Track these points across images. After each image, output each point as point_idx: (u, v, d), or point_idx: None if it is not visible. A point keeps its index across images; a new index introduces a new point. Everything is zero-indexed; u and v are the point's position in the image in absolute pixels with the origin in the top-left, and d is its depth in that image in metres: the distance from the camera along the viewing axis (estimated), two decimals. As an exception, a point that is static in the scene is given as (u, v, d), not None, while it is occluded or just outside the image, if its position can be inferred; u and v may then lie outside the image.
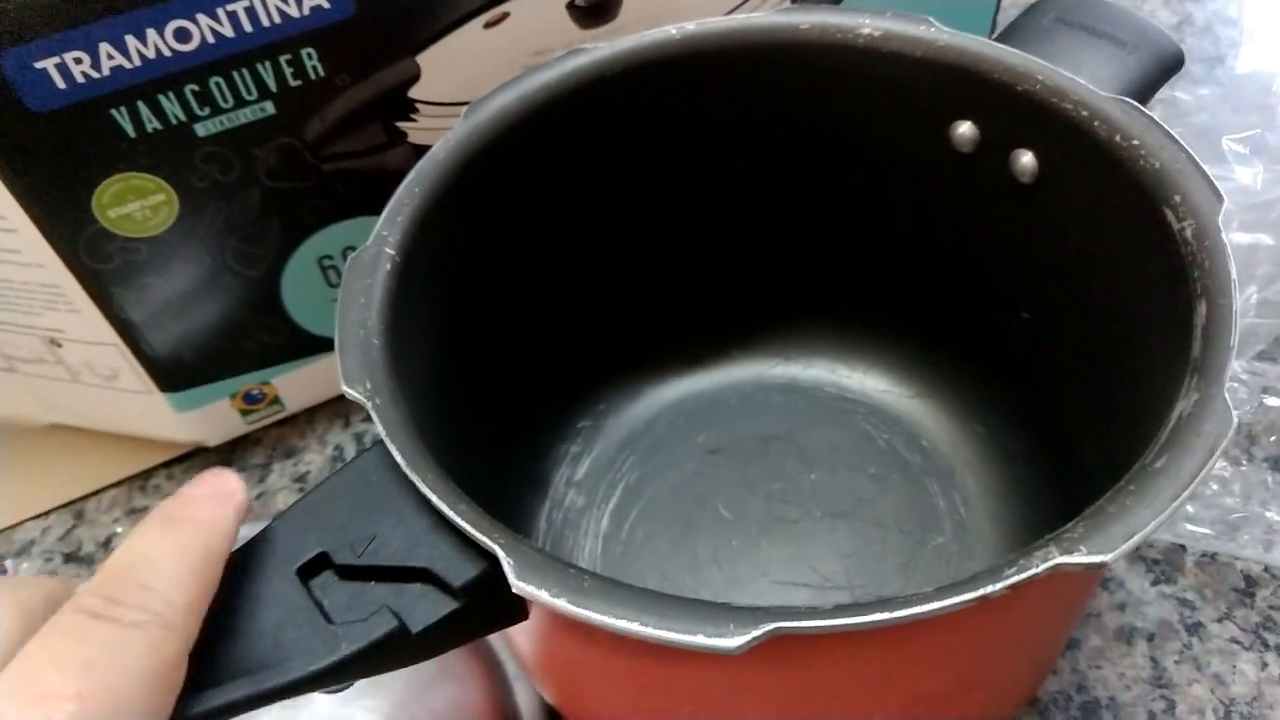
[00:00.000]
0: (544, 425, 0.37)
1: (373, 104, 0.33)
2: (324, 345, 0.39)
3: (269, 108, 0.32)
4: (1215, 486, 0.33)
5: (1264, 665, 0.31)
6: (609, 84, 0.30)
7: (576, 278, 0.34)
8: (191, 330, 0.36)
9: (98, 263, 0.33)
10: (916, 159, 0.32)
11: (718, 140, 0.33)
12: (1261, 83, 0.34)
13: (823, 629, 0.17)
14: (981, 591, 0.17)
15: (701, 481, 0.36)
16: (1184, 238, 0.23)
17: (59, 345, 0.36)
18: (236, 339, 0.37)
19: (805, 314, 0.38)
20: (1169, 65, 0.29)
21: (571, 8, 0.34)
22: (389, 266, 0.25)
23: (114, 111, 0.30)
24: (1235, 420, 0.19)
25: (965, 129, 0.30)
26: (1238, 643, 0.31)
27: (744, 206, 0.35)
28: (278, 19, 0.30)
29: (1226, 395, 0.20)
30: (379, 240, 0.26)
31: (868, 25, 0.30)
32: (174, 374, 0.37)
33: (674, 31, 0.31)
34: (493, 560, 0.20)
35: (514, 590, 0.19)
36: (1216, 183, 0.23)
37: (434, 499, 0.20)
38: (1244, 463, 0.34)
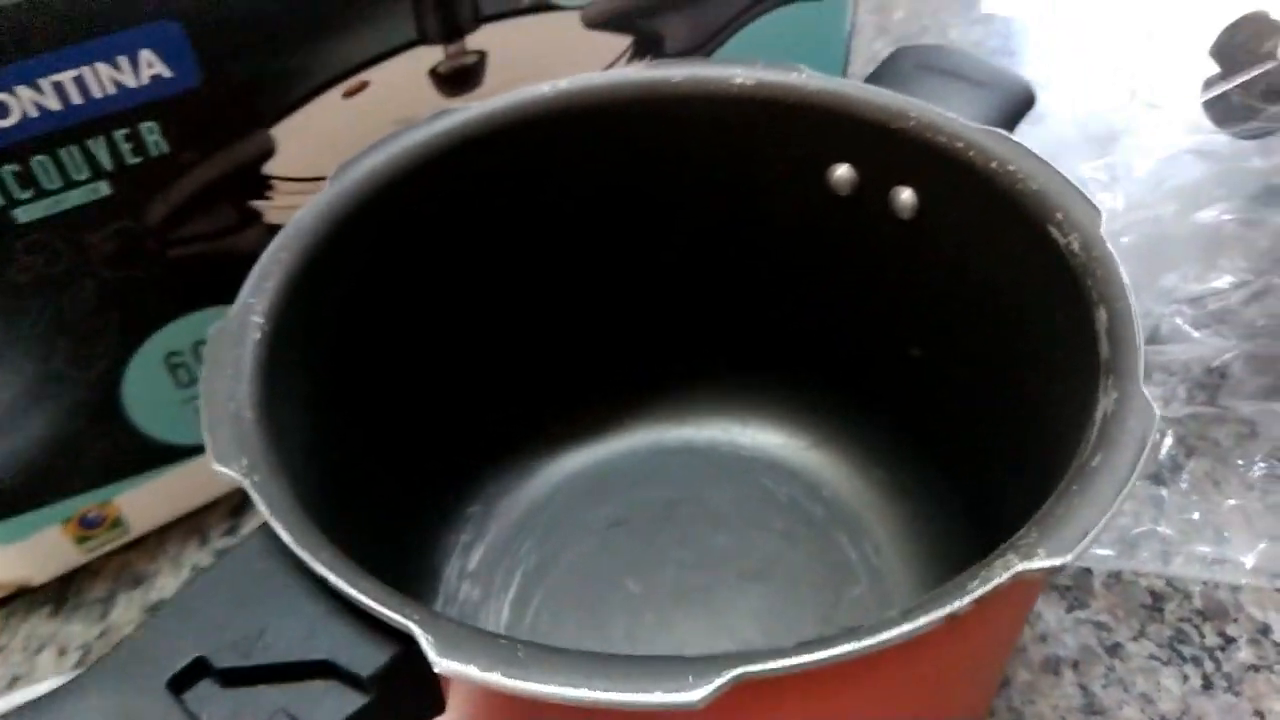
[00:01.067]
0: (429, 513, 0.34)
1: (223, 182, 0.31)
2: (174, 454, 0.35)
3: (103, 188, 0.29)
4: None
5: (1185, 678, 0.31)
6: (482, 143, 0.29)
7: (454, 347, 0.32)
8: (13, 448, 0.32)
9: (-101, 372, 0.28)
10: (797, 206, 0.32)
11: (595, 199, 0.32)
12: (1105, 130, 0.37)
13: (789, 668, 0.16)
14: (949, 609, 0.16)
15: (606, 557, 0.34)
16: (1071, 250, 0.24)
17: None
18: (70, 454, 0.33)
19: (697, 373, 0.37)
20: (1023, 102, 0.30)
21: (434, 75, 0.33)
22: (257, 335, 0.23)
23: (-83, 196, 0.26)
24: (1158, 414, 0.19)
25: (843, 171, 0.30)
26: (1156, 659, 0.31)
27: (625, 267, 0.34)
28: (112, 89, 0.27)
29: (1145, 391, 0.20)
30: (244, 309, 0.23)
31: (740, 75, 0.30)
32: (10, 487, 0.32)
33: (546, 89, 0.30)
34: (405, 641, 0.17)
35: (436, 670, 0.16)
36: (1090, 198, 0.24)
37: (331, 578, 0.17)
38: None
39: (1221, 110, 0.33)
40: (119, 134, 0.28)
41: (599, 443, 0.37)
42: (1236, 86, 0.32)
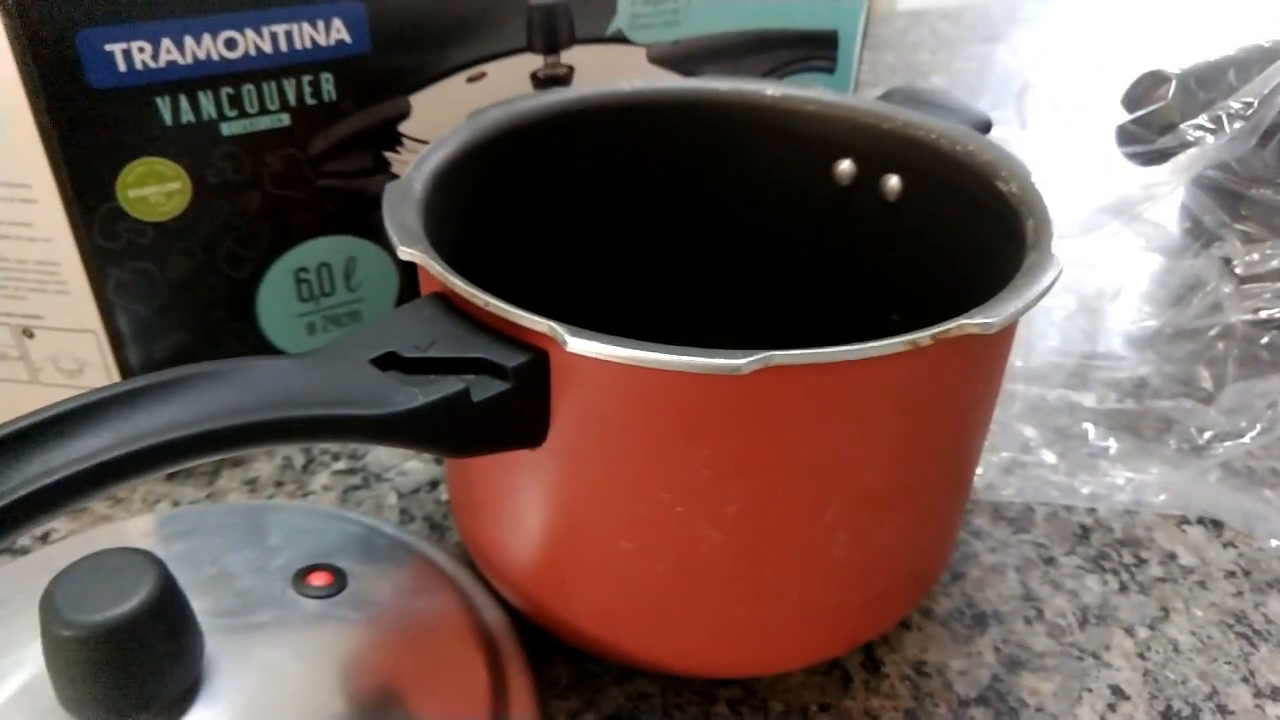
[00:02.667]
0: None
1: (368, 132, 0.40)
2: (284, 360, 0.42)
3: (285, 119, 0.38)
4: (1052, 463, 0.42)
5: (1105, 583, 0.37)
6: (577, 115, 0.38)
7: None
8: (168, 325, 0.39)
9: (105, 240, 0.36)
10: (808, 196, 0.41)
11: (647, 179, 0.41)
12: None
13: (804, 358, 0.23)
14: (912, 337, 0.24)
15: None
16: (1011, 192, 0.33)
17: (30, 336, 0.38)
18: (206, 342, 0.40)
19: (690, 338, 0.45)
20: (982, 127, 0.40)
21: (534, 78, 0.43)
22: (418, 195, 0.31)
23: (158, 99, 0.35)
24: (1062, 265, 0.28)
25: (845, 165, 0.40)
26: (1083, 569, 0.38)
27: (657, 243, 0.43)
28: (308, 44, 0.37)
29: (1055, 253, 0.28)
30: (409, 179, 0.32)
31: (770, 88, 0.40)
32: (139, 371, 0.39)
33: (625, 86, 0.40)
34: (537, 349, 0.25)
35: (570, 349, 0.24)
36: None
37: (486, 297, 0.25)
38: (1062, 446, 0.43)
39: (1126, 137, 0.43)
40: (305, 78, 0.37)
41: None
42: (1137, 121, 0.42)
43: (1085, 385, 0.47)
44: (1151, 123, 0.41)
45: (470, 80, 0.41)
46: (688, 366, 0.23)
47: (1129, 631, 0.35)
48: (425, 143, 0.41)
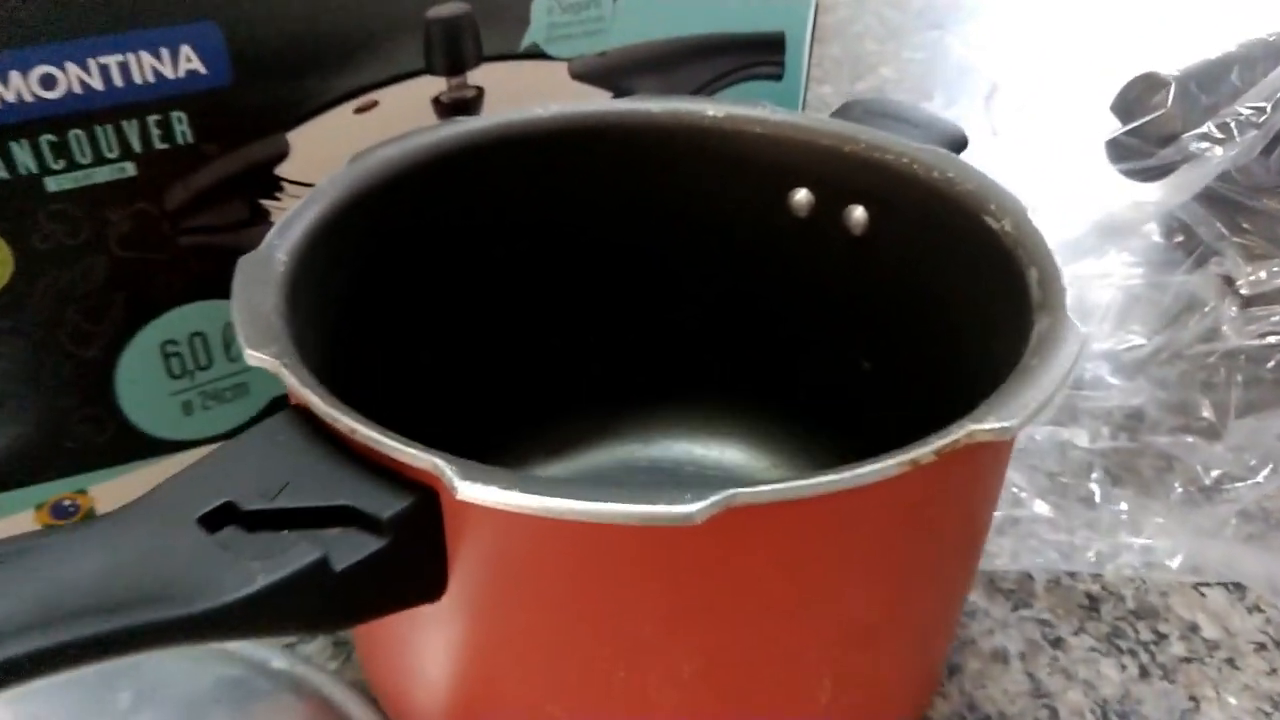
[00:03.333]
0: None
1: (239, 178, 0.33)
2: (156, 448, 0.36)
3: (129, 169, 0.31)
4: (1048, 517, 0.37)
5: (1123, 668, 0.32)
6: (483, 149, 0.32)
7: (432, 341, 0.34)
8: (2, 419, 0.32)
9: (-92, 328, 0.29)
10: (761, 228, 0.35)
11: (576, 217, 0.36)
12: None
13: (775, 495, 0.18)
14: (913, 455, 0.19)
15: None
16: (1004, 231, 0.27)
17: None
18: (54, 434, 0.34)
19: (664, 393, 0.39)
20: (957, 144, 0.35)
21: (436, 103, 0.36)
22: (281, 268, 0.25)
23: (-42, 154, 0.28)
24: (1083, 333, 0.22)
25: (801, 195, 0.34)
26: (1096, 651, 0.33)
27: (600, 285, 0.37)
28: (151, 78, 0.30)
29: (1071, 317, 0.23)
30: (270, 246, 0.25)
31: (710, 109, 0.34)
32: (-28, 477, 0.33)
33: (541, 111, 0.34)
34: (423, 490, 0.19)
35: (460, 496, 0.18)
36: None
37: (358, 426, 0.19)
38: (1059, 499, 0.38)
39: (1120, 151, 0.38)
40: (151, 119, 0.31)
41: (565, 463, 0.39)
42: (1132, 132, 0.37)
43: (1074, 419, 0.43)
44: (1149, 134, 0.37)
45: (359, 111, 0.35)
46: (622, 517, 0.17)
47: (1156, 731, 0.31)
48: (309, 185, 0.35)
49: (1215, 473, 0.39)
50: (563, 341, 0.38)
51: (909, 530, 0.21)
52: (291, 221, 0.27)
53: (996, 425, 0.19)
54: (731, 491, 0.17)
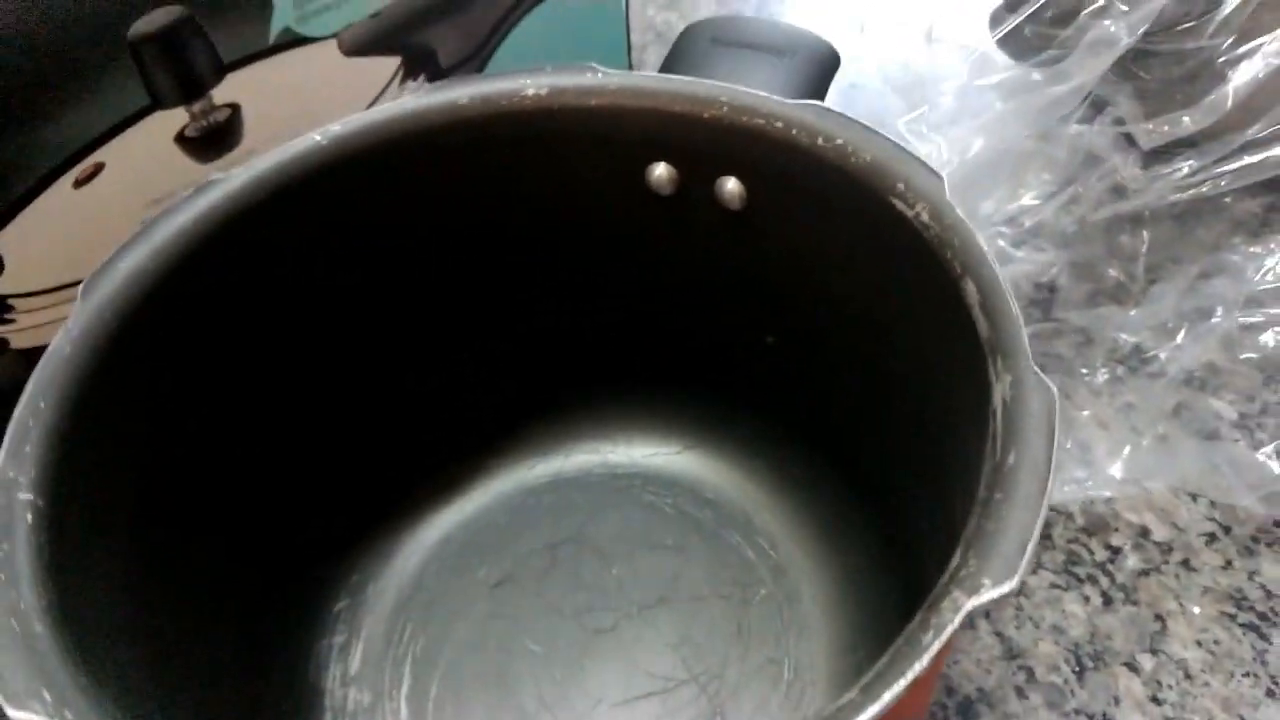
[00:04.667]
0: (292, 629, 0.30)
1: (-54, 314, 0.25)
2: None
3: None
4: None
5: (1086, 599, 0.31)
6: (256, 212, 0.25)
7: (281, 440, 0.29)
8: None
9: None
10: (619, 211, 0.29)
11: (397, 244, 0.29)
12: (900, 71, 0.36)
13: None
14: (913, 675, 0.15)
15: (497, 623, 0.32)
16: (922, 222, 0.23)
17: None
18: None
19: (550, 399, 0.35)
20: (829, 65, 0.29)
21: (182, 140, 0.28)
22: (29, 517, 0.19)
23: None
24: (1055, 391, 0.18)
25: (661, 170, 0.28)
26: (1057, 587, 0.32)
27: (448, 305, 0.31)
28: None
29: (1035, 369, 0.19)
30: (7, 486, 0.19)
31: (530, 85, 0.27)
32: None
33: (318, 138, 0.26)
34: None
35: None
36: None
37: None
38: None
39: (1016, 44, 0.33)
40: None
41: (462, 497, 0.35)
42: (1026, 18, 0.32)
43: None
44: (1042, 17, 0.31)
45: (80, 183, 0.27)
46: None
47: (1132, 667, 0.30)
48: (48, 293, 0.27)
49: (1133, 340, 0.37)
50: (425, 373, 0.32)
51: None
52: (25, 429, 0.20)
53: (994, 594, 0.16)
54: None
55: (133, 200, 0.28)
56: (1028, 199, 0.40)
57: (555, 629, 0.31)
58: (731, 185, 0.28)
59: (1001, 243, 0.40)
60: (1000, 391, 0.19)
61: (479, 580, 0.33)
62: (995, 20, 0.34)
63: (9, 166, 0.25)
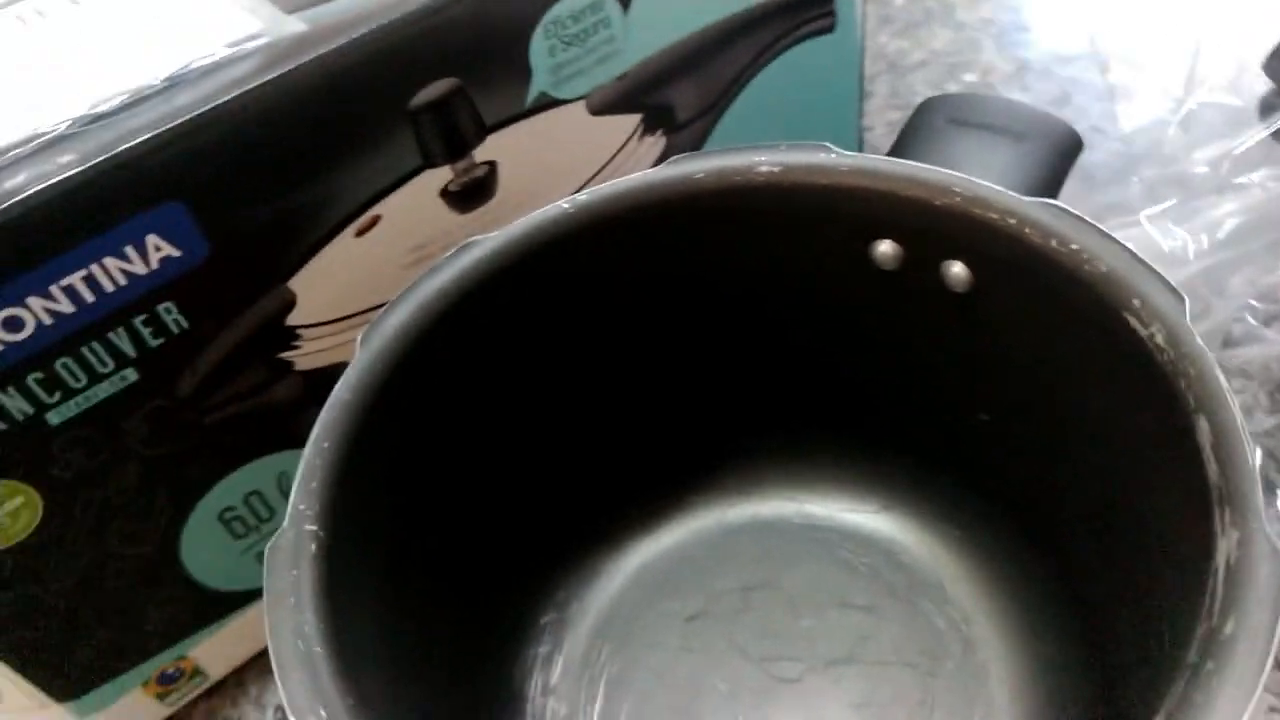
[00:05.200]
0: (505, 635, 0.34)
1: (248, 343, 0.30)
2: (240, 600, 0.35)
3: (131, 375, 0.28)
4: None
5: (1309, 727, 0.29)
6: (507, 274, 0.28)
7: (517, 472, 0.31)
8: (82, 626, 0.31)
9: (-43, 590, 0.28)
10: (842, 283, 0.30)
11: (633, 304, 0.31)
12: (1152, 145, 0.34)
13: None
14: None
15: (688, 656, 0.33)
16: (1156, 345, 0.22)
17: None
18: (136, 624, 0.32)
19: (756, 445, 0.36)
20: (1070, 151, 0.28)
21: (445, 195, 0.31)
22: (314, 548, 0.22)
23: (-56, 423, 0.26)
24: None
25: (886, 247, 0.29)
26: (1275, 711, 0.30)
27: (675, 360, 0.33)
28: (123, 280, 0.26)
29: (1269, 532, 0.18)
30: (297, 518, 0.22)
31: (764, 163, 0.28)
32: (70, 679, 0.32)
33: (566, 205, 0.28)
34: None
35: None
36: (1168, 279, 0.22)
37: None
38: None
39: None
40: (138, 320, 0.27)
41: (664, 529, 0.36)
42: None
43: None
44: None
45: (360, 233, 0.30)
46: None
47: None
48: (329, 324, 0.31)
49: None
50: (647, 416, 0.34)
51: None
52: (313, 468, 0.23)
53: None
54: None
55: (401, 246, 0.31)
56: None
57: (742, 672, 0.33)
58: (958, 269, 0.28)
59: (1251, 319, 0.37)
60: (1225, 549, 0.18)
61: (673, 612, 0.35)
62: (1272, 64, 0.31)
63: (302, 224, 0.29)
